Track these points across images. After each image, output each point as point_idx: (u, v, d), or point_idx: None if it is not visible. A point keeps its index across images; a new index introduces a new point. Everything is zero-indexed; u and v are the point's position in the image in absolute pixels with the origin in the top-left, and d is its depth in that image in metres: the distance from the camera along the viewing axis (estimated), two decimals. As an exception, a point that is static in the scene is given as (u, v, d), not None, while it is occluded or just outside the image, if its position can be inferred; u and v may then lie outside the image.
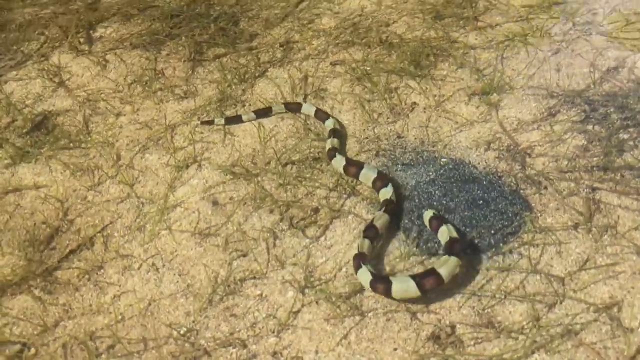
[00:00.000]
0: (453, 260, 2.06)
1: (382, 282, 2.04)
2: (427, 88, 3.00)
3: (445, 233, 2.17)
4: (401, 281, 2.03)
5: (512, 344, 1.92)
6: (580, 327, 1.93)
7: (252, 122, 2.93)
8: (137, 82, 3.26)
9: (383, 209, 2.33)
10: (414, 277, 2.03)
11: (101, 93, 3.24)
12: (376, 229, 2.26)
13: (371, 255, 2.22)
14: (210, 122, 2.93)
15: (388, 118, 2.88)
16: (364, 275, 2.08)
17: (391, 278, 2.06)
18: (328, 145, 2.68)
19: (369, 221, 2.30)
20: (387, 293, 2.04)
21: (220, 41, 3.45)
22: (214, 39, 3.47)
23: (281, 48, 3.39)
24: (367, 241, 2.22)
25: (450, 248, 2.11)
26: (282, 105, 2.95)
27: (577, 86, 2.86)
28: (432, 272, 2.03)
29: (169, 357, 2.03)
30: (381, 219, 2.29)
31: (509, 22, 3.34)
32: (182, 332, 2.10)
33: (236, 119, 2.93)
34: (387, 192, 2.40)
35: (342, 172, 2.58)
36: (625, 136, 2.54)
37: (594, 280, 2.06)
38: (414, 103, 2.92)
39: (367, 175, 2.51)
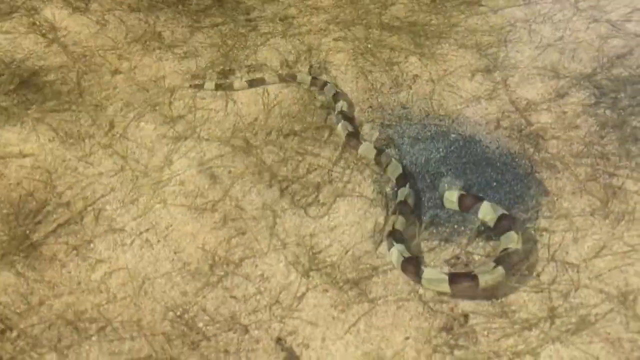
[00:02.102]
0: (499, 270, 1.87)
1: (412, 266, 1.93)
2: (428, 64, 2.85)
3: (489, 210, 2.03)
4: (434, 274, 1.90)
5: (526, 335, 1.80)
6: (595, 318, 1.81)
7: (259, 87, 2.77)
8: (137, 42, 3.05)
9: (408, 184, 2.17)
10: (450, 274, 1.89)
11: (99, 50, 3.02)
12: (409, 205, 2.11)
13: (406, 233, 2.08)
14: (226, 85, 2.75)
15: (391, 88, 2.73)
16: (395, 255, 1.97)
17: (424, 267, 1.93)
18: (343, 130, 2.47)
19: (399, 199, 2.13)
20: (416, 277, 1.92)
21: (217, 12, 3.29)
22: (211, 9, 3.30)
23: (280, 22, 3.24)
24: (401, 217, 2.08)
25: (503, 227, 1.98)
26: (310, 78, 2.77)
27: (584, 69, 2.71)
28: (467, 275, 1.88)
29: (165, 341, 1.86)
30: (410, 195, 2.13)
31: (512, 6, 3.15)
32: (178, 313, 1.93)
33: (260, 82, 2.77)
34: (402, 193, 2.21)
35: (373, 160, 2.37)
36: (638, 124, 2.40)
37: (610, 267, 1.94)
38: (416, 75, 2.79)
39: (393, 171, 2.30)
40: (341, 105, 2.57)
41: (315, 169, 2.36)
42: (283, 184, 2.30)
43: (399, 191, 2.19)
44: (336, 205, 2.22)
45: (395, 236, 2.01)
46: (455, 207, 2.14)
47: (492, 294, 1.90)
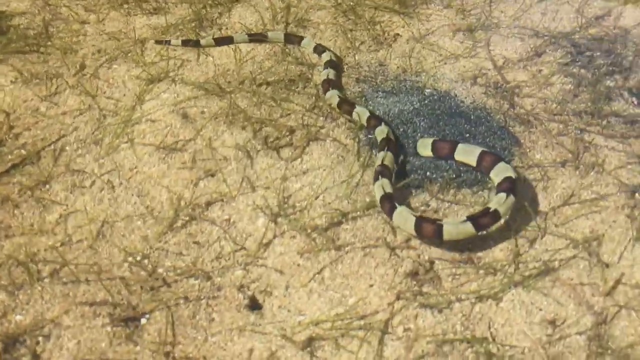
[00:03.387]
0: (467, 226, 1.79)
1: (388, 202, 1.87)
2: (410, 23, 2.75)
3: (503, 171, 1.93)
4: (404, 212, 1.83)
5: (490, 280, 1.76)
6: (559, 264, 1.78)
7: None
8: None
9: (386, 148, 2.07)
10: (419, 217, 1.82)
11: (63, 2, 2.87)
12: (388, 168, 2.01)
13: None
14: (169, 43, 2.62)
15: (370, 46, 2.66)
16: (377, 188, 1.92)
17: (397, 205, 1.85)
18: (323, 77, 2.40)
19: (379, 164, 2.01)
20: (390, 213, 1.87)
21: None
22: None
23: None
24: (389, 154, 2.02)
25: (505, 189, 1.86)
26: (283, 35, 2.66)
27: (563, 28, 2.66)
28: (433, 222, 1.81)
29: (122, 286, 1.76)
30: (387, 158, 2.03)
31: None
32: (138, 258, 1.83)
33: (228, 40, 2.64)
34: (382, 131, 2.14)
35: (336, 107, 2.29)
36: (612, 84, 2.37)
37: (577, 214, 1.91)
38: (397, 34, 2.71)
39: (360, 114, 2.22)
40: (329, 55, 2.51)
41: (289, 114, 2.26)
42: (256, 125, 2.19)
43: (377, 130, 2.12)
44: (309, 148, 2.12)
45: (382, 171, 1.95)
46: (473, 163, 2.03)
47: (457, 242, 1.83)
